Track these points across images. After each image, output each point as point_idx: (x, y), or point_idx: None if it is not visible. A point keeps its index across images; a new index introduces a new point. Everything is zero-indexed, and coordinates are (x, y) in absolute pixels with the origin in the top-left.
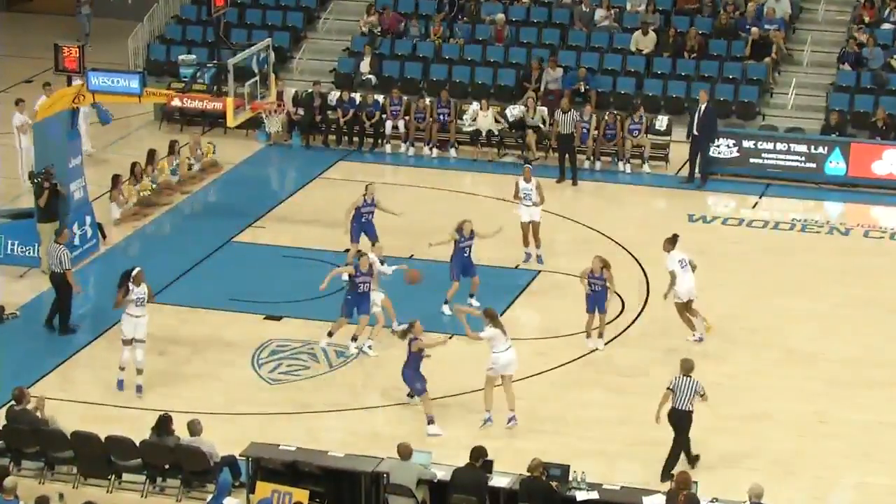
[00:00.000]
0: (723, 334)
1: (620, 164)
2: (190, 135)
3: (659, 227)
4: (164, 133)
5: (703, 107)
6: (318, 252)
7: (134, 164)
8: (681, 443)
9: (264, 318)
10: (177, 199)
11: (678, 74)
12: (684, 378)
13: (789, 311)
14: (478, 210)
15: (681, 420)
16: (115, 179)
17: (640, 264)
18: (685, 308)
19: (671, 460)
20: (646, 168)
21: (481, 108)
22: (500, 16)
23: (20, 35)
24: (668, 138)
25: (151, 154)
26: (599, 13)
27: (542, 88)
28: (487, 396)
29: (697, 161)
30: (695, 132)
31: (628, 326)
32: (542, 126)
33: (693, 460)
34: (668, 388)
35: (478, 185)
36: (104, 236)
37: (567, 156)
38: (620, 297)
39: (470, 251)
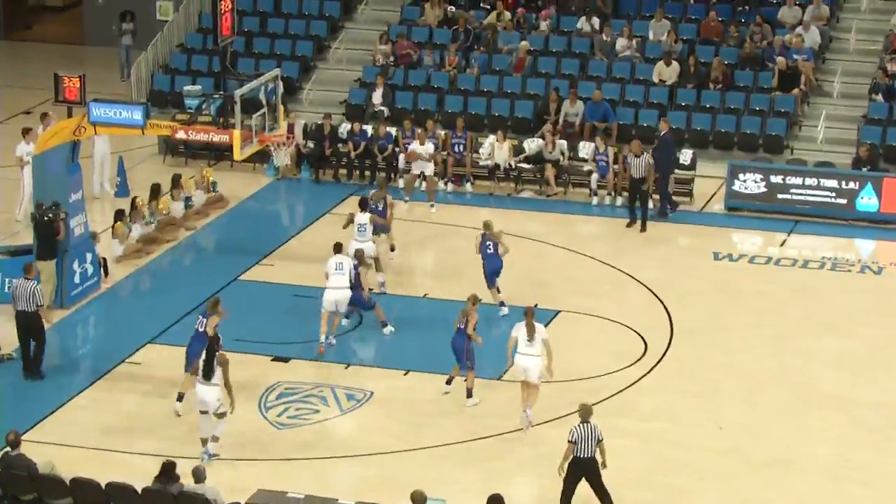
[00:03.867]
0: (749, 376)
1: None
2: (196, 169)
3: (683, 265)
4: (169, 166)
5: (661, 135)
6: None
7: (133, 199)
8: (602, 487)
9: (272, 360)
10: (181, 236)
11: (702, 106)
12: (584, 425)
13: (818, 352)
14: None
15: (590, 469)
16: (118, 214)
17: (663, 304)
18: None
19: None
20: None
21: (497, 140)
22: (524, 43)
23: (19, 64)
24: (692, 173)
25: (155, 189)
26: (621, 43)
27: (560, 121)
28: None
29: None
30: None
31: (651, 369)
32: (560, 160)
33: None
34: (570, 441)
35: (495, 220)
36: (106, 273)
37: (638, 200)
38: (644, 340)
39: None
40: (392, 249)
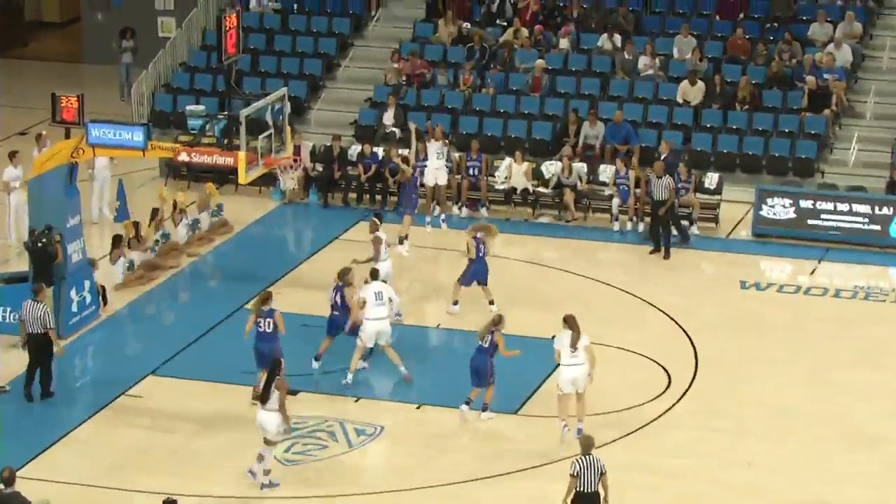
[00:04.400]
0: (778, 411)
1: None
2: (198, 192)
3: (708, 294)
4: (170, 190)
5: (663, 157)
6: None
7: (136, 225)
8: None
9: None
10: (183, 262)
11: (729, 128)
12: (586, 458)
13: (851, 386)
14: (509, 274)
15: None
16: (116, 240)
17: (687, 335)
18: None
19: None
20: (694, 230)
21: (514, 161)
22: (540, 61)
23: (15, 83)
24: (718, 197)
25: (155, 213)
26: (643, 61)
27: (580, 143)
28: (560, 408)
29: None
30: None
31: (675, 403)
32: (579, 184)
33: None
34: (572, 475)
35: (510, 246)
36: (105, 302)
37: (660, 225)
38: (667, 372)
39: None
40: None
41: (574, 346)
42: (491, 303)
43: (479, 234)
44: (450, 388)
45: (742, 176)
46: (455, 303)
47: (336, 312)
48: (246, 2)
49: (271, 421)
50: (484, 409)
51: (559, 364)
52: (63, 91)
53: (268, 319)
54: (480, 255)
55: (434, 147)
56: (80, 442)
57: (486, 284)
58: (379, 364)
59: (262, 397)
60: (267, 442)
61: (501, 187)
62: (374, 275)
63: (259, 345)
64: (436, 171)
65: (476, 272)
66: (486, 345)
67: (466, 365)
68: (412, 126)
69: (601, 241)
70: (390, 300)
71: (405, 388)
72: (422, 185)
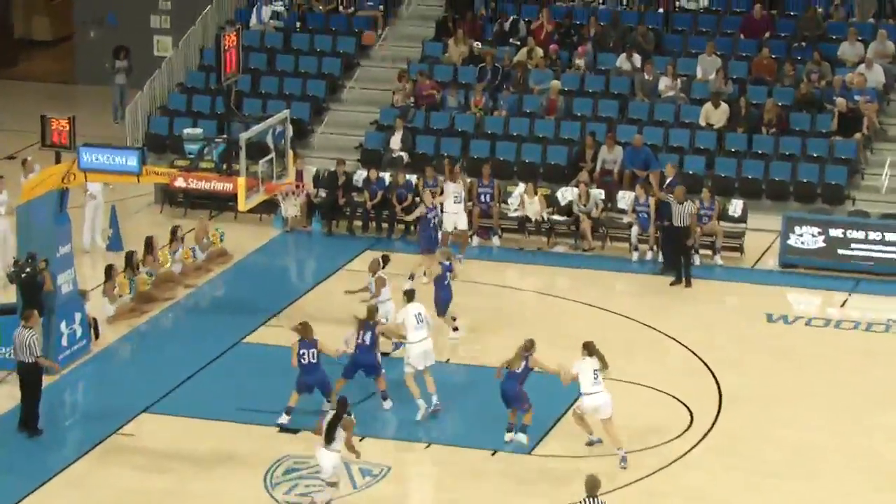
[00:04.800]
0: (807, 452)
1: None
2: (197, 220)
3: (733, 327)
4: (166, 217)
5: (668, 181)
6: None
7: (130, 254)
8: None
9: (279, 431)
10: (179, 294)
11: (754, 152)
12: (591, 500)
13: (882, 425)
14: (523, 305)
15: None
16: (109, 270)
17: (710, 371)
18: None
19: None
20: (717, 260)
21: (526, 194)
22: (555, 82)
23: (3, 104)
24: (742, 226)
25: (149, 242)
26: (664, 82)
27: (597, 169)
28: (584, 426)
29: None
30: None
31: (697, 443)
32: (595, 212)
33: None
34: None
35: (524, 277)
36: (97, 335)
37: (682, 254)
38: (689, 410)
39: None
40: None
41: (604, 369)
42: (455, 329)
43: (448, 262)
44: (459, 427)
45: (768, 203)
46: (455, 329)
47: (360, 353)
48: (246, 20)
49: (330, 462)
50: (522, 430)
51: (581, 393)
52: (53, 113)
53: (311, 350)
54: (446, 282)
55: (452, 189)
56: (69, 483)
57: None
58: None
59: (328, 437)
60: (329, 483)
61: (515, 215)
62: (411, 296)
63: (304, 377)
64: (454, 216)
65: (444, 300)
66: (520, 370)
67: (476, 401)
68: (427, 194)
69: (619, 272)
70: (428, 322)
71: (413, 426)
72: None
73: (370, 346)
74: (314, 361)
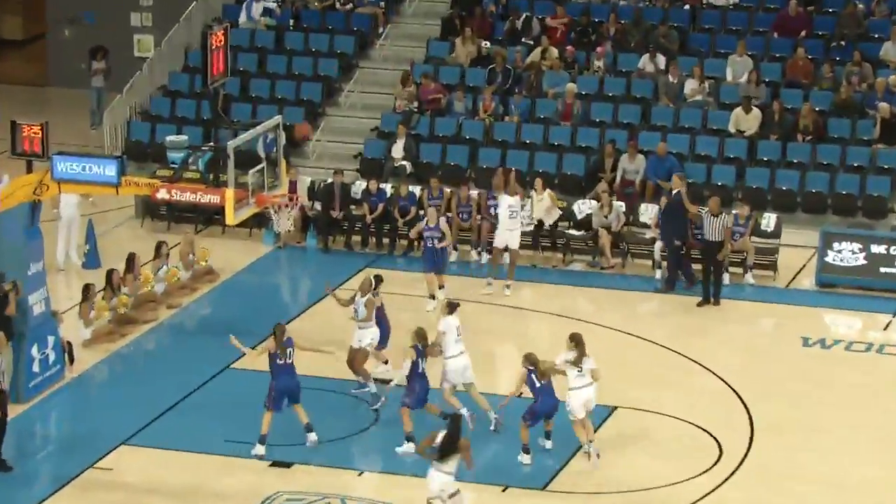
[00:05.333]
0: (847, 488)
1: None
2: (182, 234)
3: (766, 352)
4: (148, 232)
5: (673, 194)
6: (338, 382)
7: (110, 273)
8: None
9: (270, 465)
10: (162, 315)
11: (789, 162)
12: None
13: None
14: (536, 329)
15: None
16: (86, 290)
17: (741, 399)
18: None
19: None
20: (748, 279)
21: (535, 190)
22: (570, 85)
23: None
24: (776, 241)
25: (131, 260)
26: (690, 85)
27: (618, 179)
28: (581, 433)
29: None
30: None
31: (727, 478)
32: (614, 225)
33: None
34: None
35: (538, 298)
36: (71, 361)
37: (712, 270)
38: (718, 442)
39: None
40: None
41: (579, 364)
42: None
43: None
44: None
45: (804, 217)
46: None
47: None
48: (235, 17)
49: (438, 484)
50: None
51: (569, 388)
52: (25, 119)
53: (287, 349)
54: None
55: (507, 202)
56: None
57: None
58: (385, 433)
59: (442, 455)
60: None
61: (528, 228)
62: (453, 308)
63: (282, 380)
64: (508, 234)
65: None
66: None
67: (486, 433)
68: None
69: (642, 291)
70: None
71: (417, 461)
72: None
73: (419, 376)
74: (289, 361)
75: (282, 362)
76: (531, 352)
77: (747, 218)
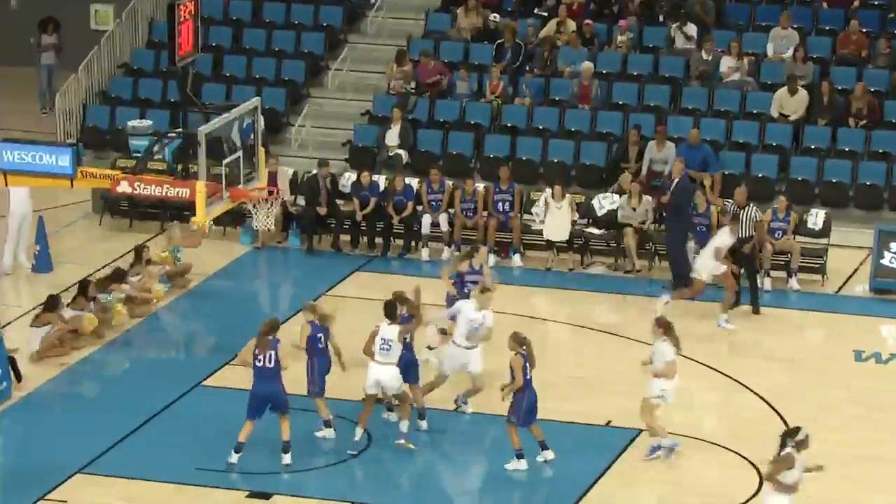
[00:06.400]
0: None
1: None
2: (168, 231)
3: (813, 367)
4: (107, 231)
5: (675, 184)
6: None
7: (84, 283)
8: None
9: (248, 496)
10: (126, 325)
11: (840, 150)
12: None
13: None
14: (552, 342)
15: None
16: (53, 302)
17: (784, 421)
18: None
19: None
20: (793, 284)
21: (553, 198)
22: (587, 64)
23: None
24: (824, 241)
25: (140, 252)
26: (727, 63)
27: (643, 170)
28: (652, 424)
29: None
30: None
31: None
32: (645, 223)
33: None
34: None
35: (554, 305)
36: (18, 378)
37: (746, 271)
38: (758, 470)
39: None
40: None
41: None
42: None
43: (313, 319)
44: (474, 489)
45: (857, 213)
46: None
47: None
48: None
49: None
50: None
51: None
52: None
53: (269, 352)
54: (320, 346)
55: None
56: None
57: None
58: (383, 456)
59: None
60: None
61: (541, 227)
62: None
63: (257, 385)
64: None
65: (321, 370)
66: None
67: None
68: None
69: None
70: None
71: (418, 490)
72: (434, 223)
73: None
74: (269, 366)
75: (261, 364)
76: (517, 331)
77: (787, 212)
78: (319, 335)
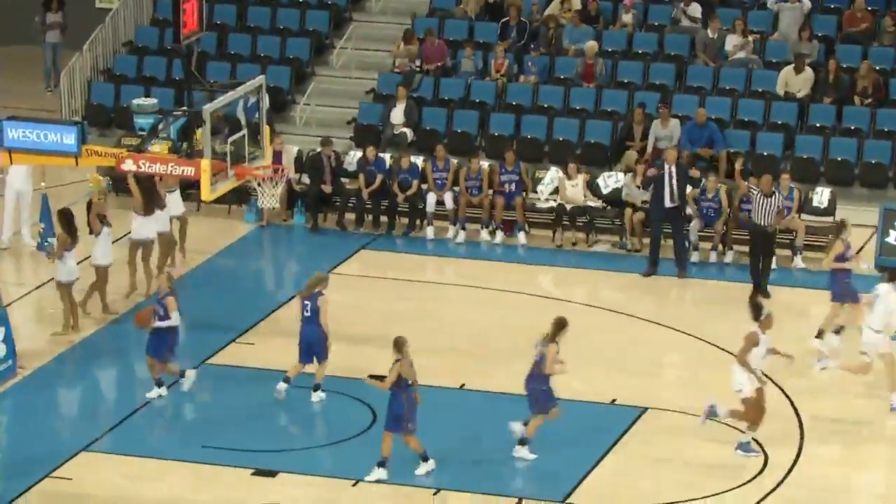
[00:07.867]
0: None
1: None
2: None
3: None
4: (112, 209)
5: (671, 170)
6: (330, 381)
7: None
8: None
9: (253, 474)
10: (128, 303)
11: (846, 128)
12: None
13: None
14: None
15: None
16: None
17: (791, 402)
18: None
19: None
20: (798, 262)
21: (568, 177)
22: (591, 43)
23: None
24: (830, 220)
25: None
26: (732, 41)
27: (648, 149)
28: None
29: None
30: (668, 203)
31: (771, 491)
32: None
33: None
34: None
35: (558, 284)
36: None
37: (762, 257)
38: (763, 450)
39: None
40: None
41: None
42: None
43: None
44: (476, 468)
45: (862, 192)
46: (316, 388)
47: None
48: None
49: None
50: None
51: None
52: None
53: (307, 303)
54: (306, 315)
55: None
56: None
57: (324, 358)
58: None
59: None
60: None
61: (546, 205)
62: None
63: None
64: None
65: (308, 342)
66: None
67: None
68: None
69: (676, 277)
70: None
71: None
72: (440, 202)
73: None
74: (307, 315)
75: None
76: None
77: (790, 190)
78: (306, 303)
